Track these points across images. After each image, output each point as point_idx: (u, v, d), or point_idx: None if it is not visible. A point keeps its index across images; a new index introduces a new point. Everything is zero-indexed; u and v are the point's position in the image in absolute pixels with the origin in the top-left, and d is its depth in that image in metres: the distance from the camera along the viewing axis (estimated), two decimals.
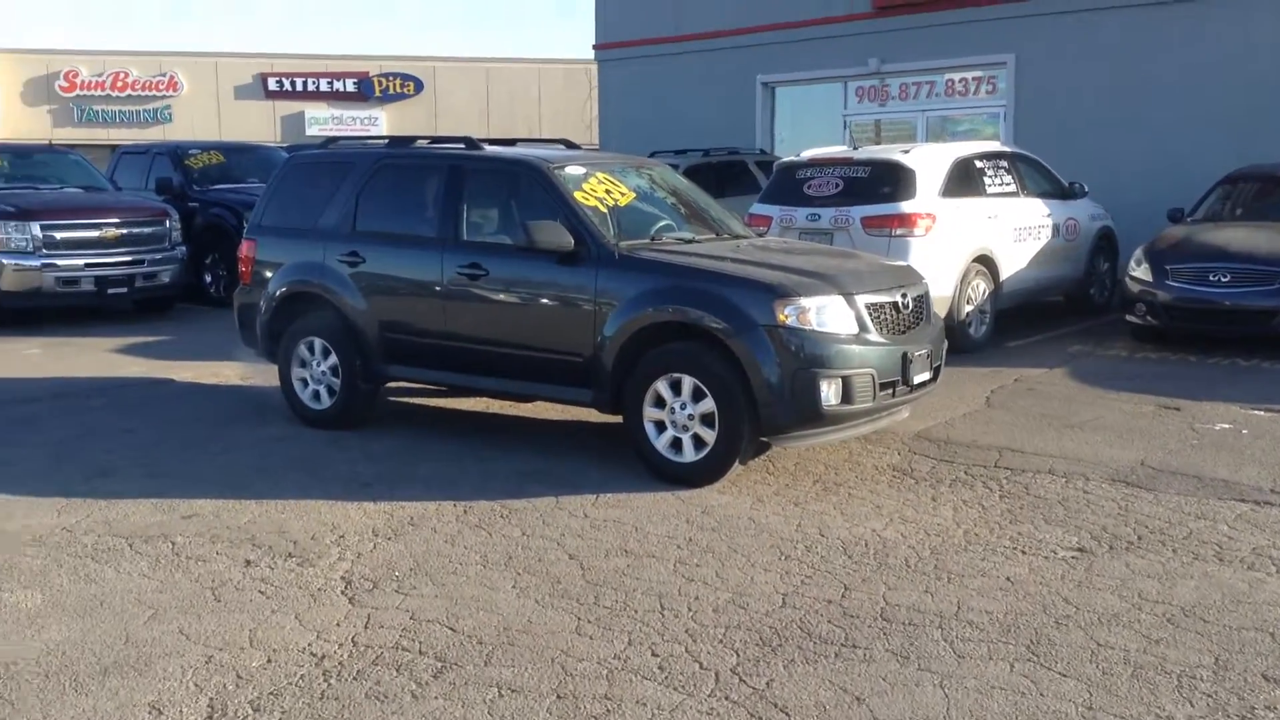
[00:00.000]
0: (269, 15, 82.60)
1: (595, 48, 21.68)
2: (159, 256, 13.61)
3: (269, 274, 8.21)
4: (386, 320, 7.64)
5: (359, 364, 7.78)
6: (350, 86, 38.20)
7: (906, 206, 10.20)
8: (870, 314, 6.46)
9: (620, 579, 5.10)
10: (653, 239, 7.13)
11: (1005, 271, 11.02)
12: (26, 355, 11.25)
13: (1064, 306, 13.09)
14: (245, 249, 8.41)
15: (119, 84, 37.31)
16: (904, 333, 6.68)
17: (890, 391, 6.47)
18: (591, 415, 8.00)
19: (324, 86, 38.13)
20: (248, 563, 5.39)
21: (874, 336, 6.44)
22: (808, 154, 11.29)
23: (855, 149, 11.52)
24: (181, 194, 15.22)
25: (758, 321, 6.21)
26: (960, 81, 17.47)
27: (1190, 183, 13.80)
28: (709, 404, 6.34)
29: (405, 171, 7.85)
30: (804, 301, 6.24)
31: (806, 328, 6.21)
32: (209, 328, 13.06)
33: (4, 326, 12.85)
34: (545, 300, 6.97)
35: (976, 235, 10.67)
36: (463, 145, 7.71)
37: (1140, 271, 10.74)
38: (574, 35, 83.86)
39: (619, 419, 6.93)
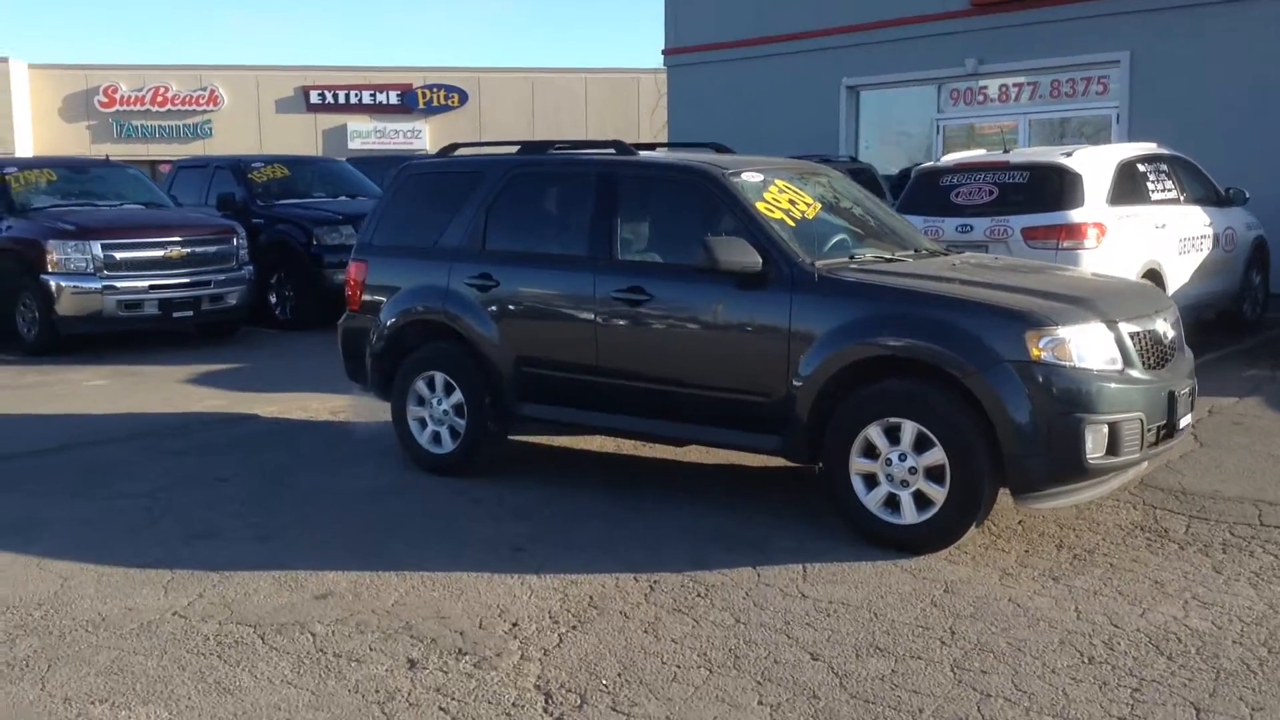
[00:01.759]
0: (310, 28, 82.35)
1: (665, 52, 20.68)
2: (225, 277, 12.63)
3: (382, 300, 7.19)
4: (523, 352, 6.60)
5: (488, 402, 6.74)
6: (394, 99, 37.37)
7: (1075, 215, 9.10)
8: (1134, 345, 5.37)
9: (891, 691, 4.02)
10: (851, 257, 6.05)
11: (1172, 286, 9.89)
12: (93, 387, 10.28)
13: (1213, 323, 11.94)
14: (354, 272, 7.39)
15: (159, 99, 36.63)
16: (1163, 366, 5.58)
17: (1155, 438, 5.37)
18: (753, 460, 6.96)
19: (366, 99, 37.32)
20: (412, 663, 4.35)
21: (1138, 373, 5.35)
22: (952, 158, 10.22)
23: (1006, 151, 10.42)
24: (244, 210, 14.26)
25: (1005, 356, 5.13)
26: (1068, 82, 16.34)
27: None
28: (937, 455, 5.26)
29: (545, 181, 6.82)
30: (1061, 331, 5.16)
31: (1065, 363, 5.13)
32: (282, 353, 12.08)
33: (62, 354, 11.91)
34: (724, 330, 5.91)
35: (1146, 247, 9.56)
36: (613, 151, 6.66)
37: None
38: (621, 44, 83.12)
39: (796, 464, 5.88)
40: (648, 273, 6.20)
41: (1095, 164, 9.52)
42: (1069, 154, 9.58)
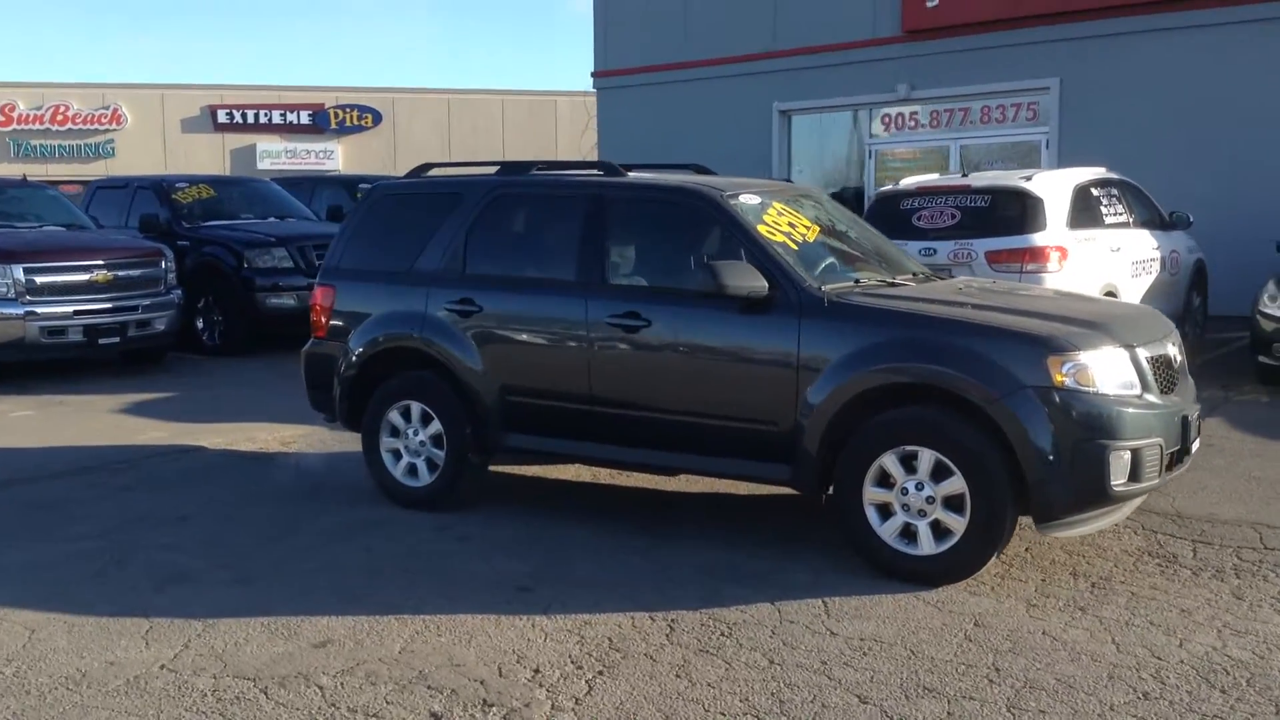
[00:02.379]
0: (219, 47, 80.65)
1: (595, 75, 20.52)
2: (153, 302, 12.08)
3: (352, 326, 6.86)
4: (508, 380, 6.33)
5: (469, 433, 6.45)
6: (305, 119, 36.64)
7: (1038, 239, 9.12)
8: (1150, 369, 5.30)
9: None
10: (857, 282, 5.91)
11: None
12: (20, 419, 9.72)
13: None
14: (320, 297, 7.04)
15: (59, 117, 35.42)
16: (1172, 390, 5.53)
17: (1169, 463, 5.30)
18: (741, 488, 6.79)
19: (276, 118, 36.52)
20: (436, 717, 4.06)
21: (1154, 397, 5.28)
22: (911, 181, 10.19)
23: (964, 175, 10.43)
24: (169, 232, 13.72)
25: (1027, 382, 5.02)
26: (998, 108, 16.55)
27: (1263, 214, 12.98)
28: (956, 484, 5.12)
29: (530, 203, 6.57)
30: (1083, 356, 5.06)
31: (1087, 388, 5.03)
32: (215, 382, 11.58)
33: None
34: (727, 357, 5.72)
35: (1103, 270, 9.64)
36: (600, 172, 6.44)
37: (1277, 308, 9.74)
38: (539, 66, 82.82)
39: (803, 494, 5.71)
40: (644, 297, 5.98)
41: (1054, 188, 9.57)
42: (1028, 178, 9.61)
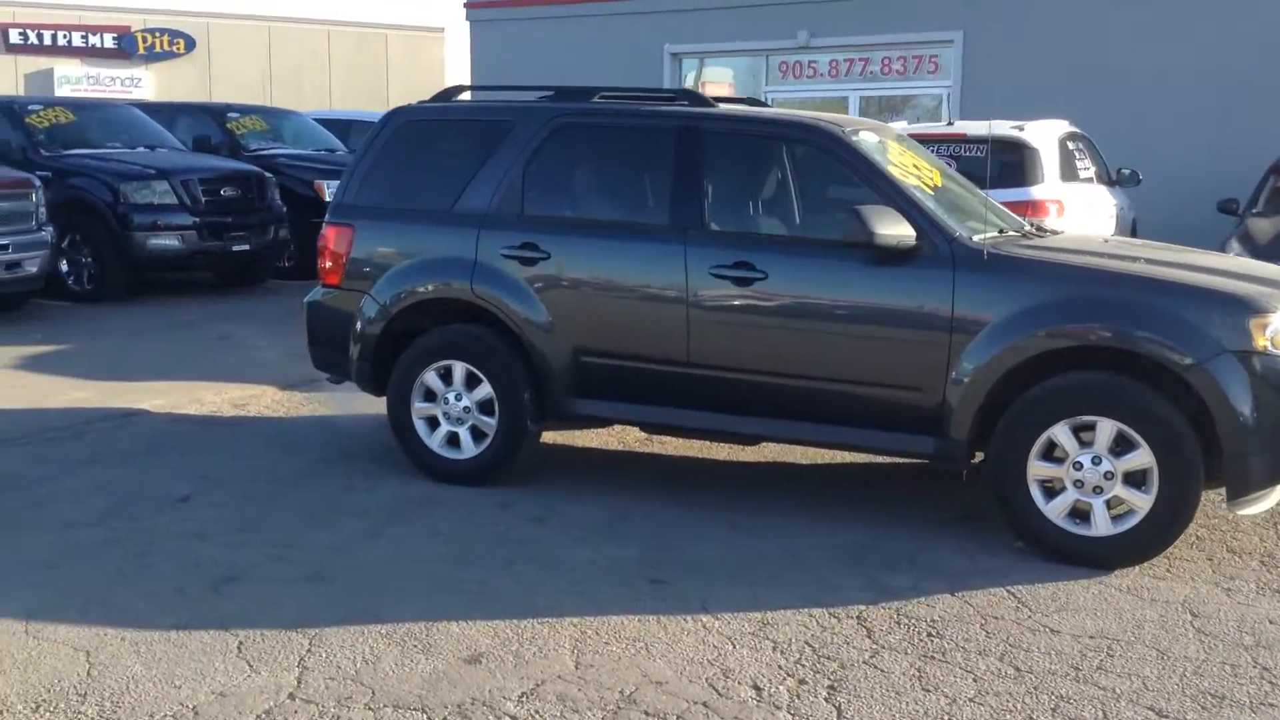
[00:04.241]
0: None
1: (467, 5, 19.30)
2: (22, 240, 10.53)
3: (376, 274, 5.90)
4: (583, 340, 5.54)
5: (530, 398, 5.63)
6: (109, 42, 33.58)
7: (1037, 192, 8.84)
8: None
9: None
10: (1001, 231, 5.35)
11: None
12: None
13: None
14: (332, 239, 6.03)
15: None
16: None
17: None
18: (797, 454, 6.22)
19: (77, 41, 33.33)
20: None
21: None
22: (899, 128, 9.69)
23: (950, 123, 10.01)
24: (23, 161, 12.01)
25: (1227, 345, 4.59)
26: (899, 60, 16.33)
27: (1171, 173, 13.16)
28: (1142, 457, 4.66)
29: (603, 135, 5.74)
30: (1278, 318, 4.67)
31: None
32: (101, 332, 10.18)
33: None
34: (862, 315, 5.10)
35: (1086, 226, 9.41)
36: (685, 101, 5.67)
37: None
38: None
39: (949, 469, 5.20)
40: (757, 246, 5.28)
41: (1045, 138, 9.30)
42: (1020, 128, 9.29)
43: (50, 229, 10.85)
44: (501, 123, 5.82)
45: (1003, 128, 9.31)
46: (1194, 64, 14.30)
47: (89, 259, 11.86)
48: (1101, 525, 4.77)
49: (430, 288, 5.77)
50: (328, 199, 13.79)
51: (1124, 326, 4.68)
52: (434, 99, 6.16)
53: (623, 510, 5.46)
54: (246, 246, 12.39)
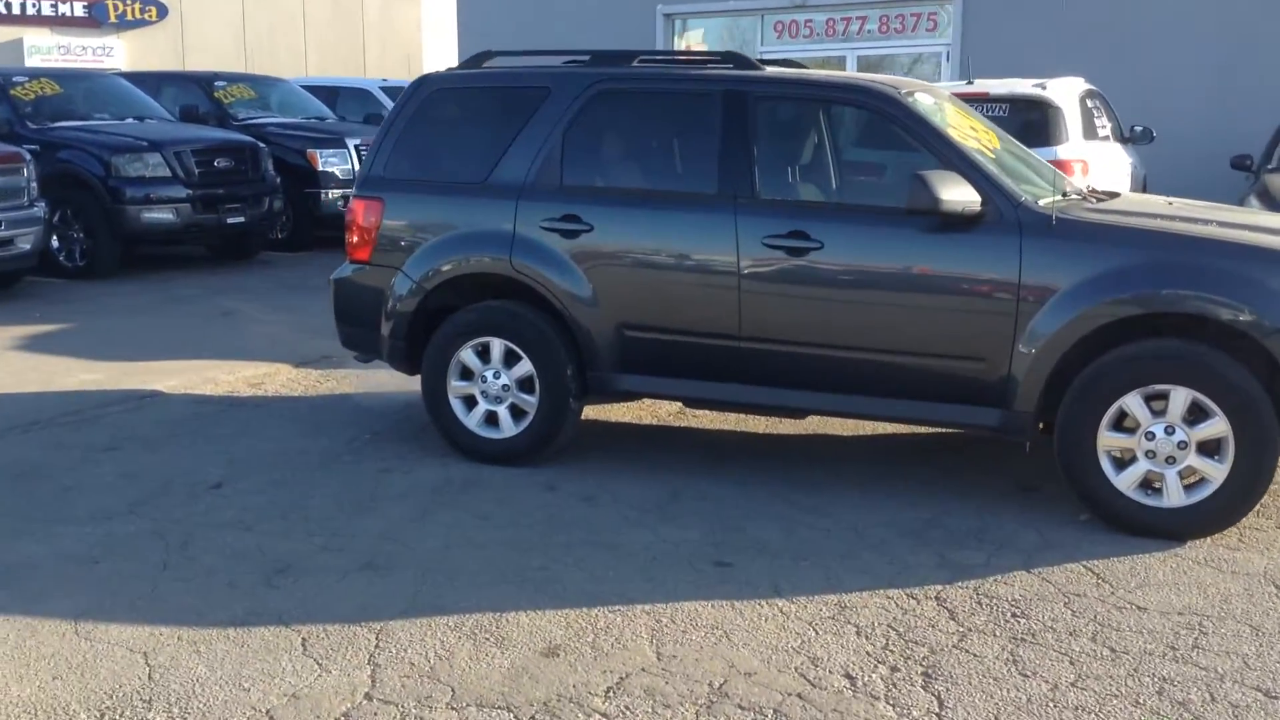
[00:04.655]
0: None
1: None
2: (15, 216, 10.22)
3: (409, 248, 5.70)
4: (628, 314, 5.36)
5: (572, 374, 5.46)
6: (79, 10, 32.87)
7: (1063, 151, 8.68)
8: None
9: None
10: (1064, 195, 5.19)
11: None
12: None
13: None
14: (361, 212, 5.81)
15: None
16: None
17: None
18: (831, 425, 6.08)
19: (46, 9, 32.62)
20: None
21: None
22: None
23: (970, 82, 9.81)
24: (9, 134, 11.67)
25: None
26: (897, 18, 16.08)
27: (1179, 132, 13.01)
28: (1217, 426, 4.54)
29: (644, 100, 5.53)
30: None
31: None
32: (103, 310, 9.92)
33: None
34: (924, 283, 4.93)
35: (1107, 186, 9.25)
36: (730, 65, 5.47)
37: None
38: None
39: (1013, 441, 5.06)
40: (811, 214, 5.10)
41: (1067, 96, 9.13)
42: (1042, 86, 9.12)
43: (43, 204, 10.55)
44: (537, 89, 5.60)
45: (1024, 86, 9.13)
46: (1199, 18, 14.13)
47: (80, 234, 11.54)
48: (1174, 496, 4.65)
49: (467, 262, 5.57)
50: (321, 169, 13.65)
51: (1203, 292, 4.53)
52: (463, 65, 5.93)
53: (673, 489, 5.31)
54: (241, 219, 12.11)
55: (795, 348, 5.12)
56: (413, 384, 7.12)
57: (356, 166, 13.77)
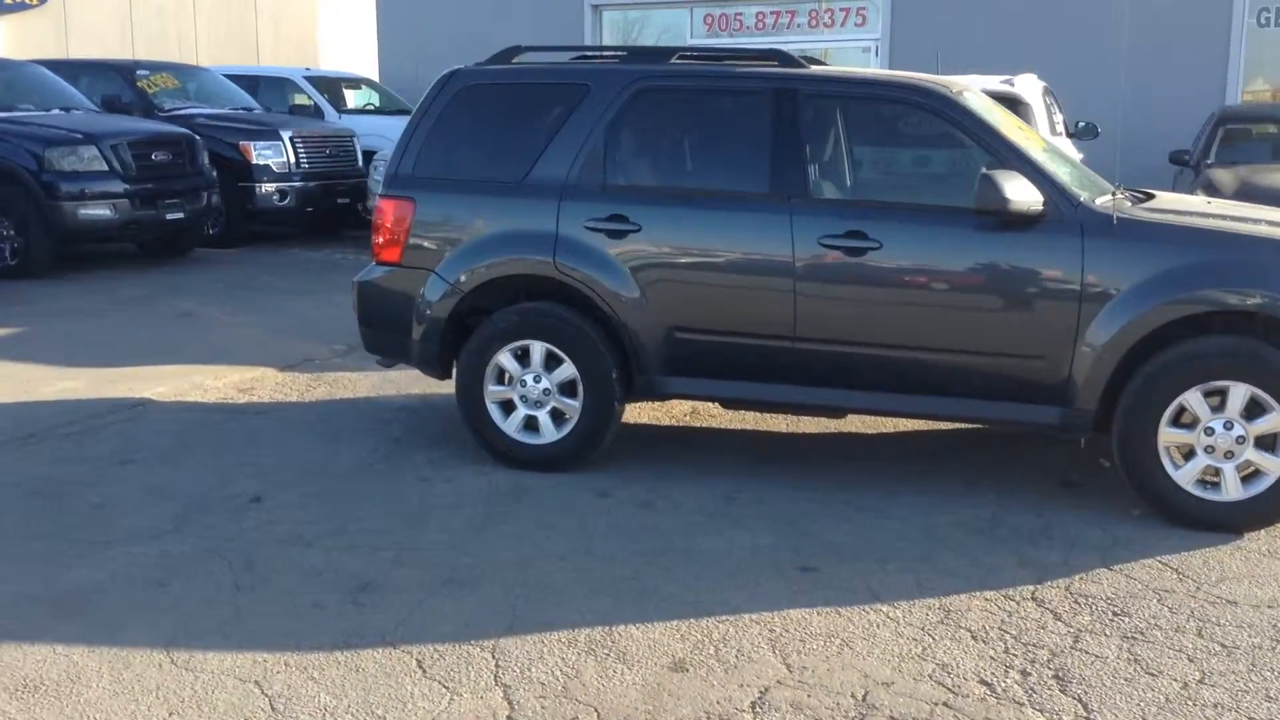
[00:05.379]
0: None
1: None
2: None
3: (443, 249, 5.55)
4: (678, 316, 5.30)
5: (616, 376, 5.38)
6: None
7: None
8: None
9: None
10: (1114, 195, 5.27)
11: None
12: None
13: None
14: (391, 213, 5.63)
15: None
16: None
17: None
18: (888, 425, 6.12)
19: None
20: None
21: None
22: None
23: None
24: None
25: None
26: (826, 12, 16.23)
27: (1104, 129, 13.40)
28: (1274, 420, 4.68)
29: (689, 98, 5.45)
30: None
31: None
32: (48, 312, 9.46)
33: None
34: (985, 283, 4.98)
35: None
36: (775, 61, 5.43)
37: None
38: None
39: (1073, 438, 5.13)
40: (869, 214, 5.10)
41: (1033, 93, 9.30)
42: (1010, 82, 9.28)
43: None
44: (576, 86, 5.49)
45: (994, 83, 9.28)
46: (1118, 10, 14.55)
47: (10, 232, 10.99)
48: (1232, 490, 4.77)
49: (508, 264, 5.44)
50: (255, 162, 13.24)
51: (1269, 290, 4.66)
52: (491, 60, 5.78)
53: (727, 492, 5.27)
54: (181, 215, 11.68)
55: (852, 347, 5.12)
56: (413, 387, 7.03)
57: (292, 159, 13.44)
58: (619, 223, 5.31)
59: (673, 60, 5.59)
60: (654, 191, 5.37)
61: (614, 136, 5.40)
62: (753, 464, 5.71)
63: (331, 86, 16.75)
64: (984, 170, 4.82)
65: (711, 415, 6.55)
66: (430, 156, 5.64)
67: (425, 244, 5.59)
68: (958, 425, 6.11)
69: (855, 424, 6.25)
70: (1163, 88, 14.29)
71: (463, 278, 5.49)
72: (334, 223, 14.70)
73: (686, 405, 6.54)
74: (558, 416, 5.50)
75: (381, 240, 5.68)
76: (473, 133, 5.64)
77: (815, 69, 5.42)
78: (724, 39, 16.87)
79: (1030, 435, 5.98)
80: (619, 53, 5.74)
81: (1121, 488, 5.10)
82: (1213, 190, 10.22)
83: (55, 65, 14.49)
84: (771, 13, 16.56)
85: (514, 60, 5.77)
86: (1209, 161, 11.20)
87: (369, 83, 17.91)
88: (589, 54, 5.88)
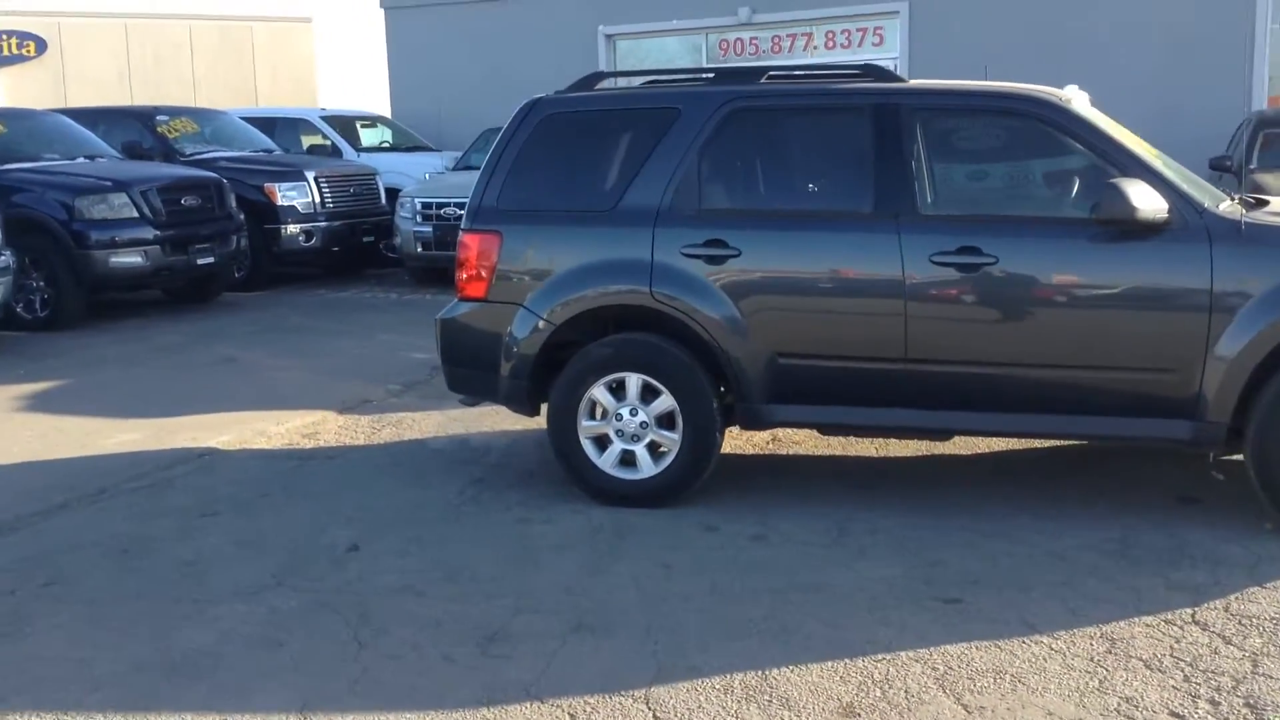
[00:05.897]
0: None
1: None
2: None
3: (532, 283, 5.36)
4: (783, 342, 5.11)
5: (716, 407, 5.18)
6: None
7: None
8: None
9: None
10: (1234, 199, 5.11)
11: None
12: None
13: None
14: (476, 247, 5.45)
15: None
16: None
17: None
18: (976, 445, 5.93)
19: None
20: None
21: None
22: None
23: None
24: None
25: None
26: (843, 33, 16.16)
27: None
28: None
29: (784, 117, 5.30)
30: None
31: None
32: (93, 363, 9.24)
33: None
34: (1108, 295, 4.80)
35: None
36: (870, 77, 5.27)
37: None
38: None
39: (1203, 453, 4.96)
40: (982, 228, 4.92)
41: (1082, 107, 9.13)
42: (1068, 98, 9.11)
43: (9, 254, 9.80)
44: (665, 110, 5.32)
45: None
46: (1140, 23, 14.49)
47: (40, 283, 10.78)
48: None
49: (603, 294, 5.26)
50: (280, 203, 13.07)
51: None
52: (573, 87, 5.62)
53: (835, 522, 5.07)
54: (211, 259, 11.49)
55: (967, 367, 4.94)
56: (481, 424, 6.85)
57: (317, 199, 13.28)
58: (717, 248, 5.13)
59: (763, 80, 5.43)
60: (752, 215, 5.20)
61: (707, 160, 5.23)
62: (856, 490, 5.51)
63: (346, 125, 16.62)
64: (1110, 179, 4.65)
65: (795, 442, 6.36)
66: (514, 188, 5.46)
67: (512, 278, 5.41)
68: (1050, 443, 5.94)
69: (950, 446, 6.06)
70: (1189, 96, 14.18)
71: (554, 311, 5.30)
72: (356, 262, 14.53)
73: (768, 432, 6.35)
74: (655, 450, 5.31)
75: (466, 276, 5.49)
76: (558, 162, 5.47)
77: (915, 83, 5.26)
78: (741, 63, 16.76)
79: (1134, 451, 5.80)
80: (705, 74, 5.57)
81: (1246, 501, 4.93)
82: (1261, 194, 10.06)
83: (74, 114, 14.36)
84: (788, 35, 16.48)
85: (595, 87, 5.60)
86: (1252, 166, 11.07)
87: (383, 120, 17.79)
88: (667, 78, 5.71)
